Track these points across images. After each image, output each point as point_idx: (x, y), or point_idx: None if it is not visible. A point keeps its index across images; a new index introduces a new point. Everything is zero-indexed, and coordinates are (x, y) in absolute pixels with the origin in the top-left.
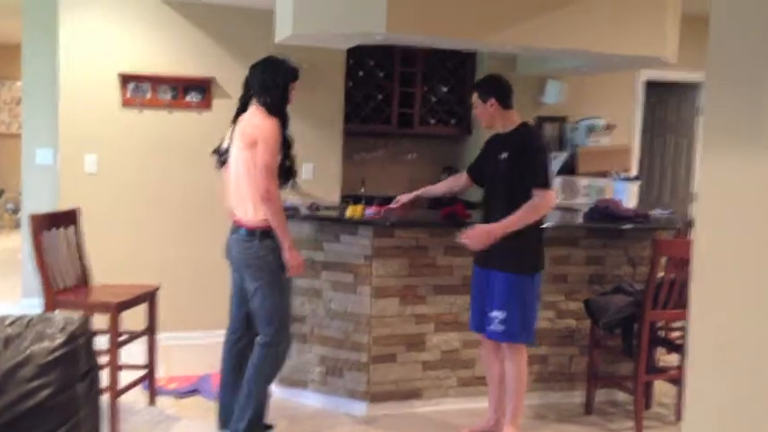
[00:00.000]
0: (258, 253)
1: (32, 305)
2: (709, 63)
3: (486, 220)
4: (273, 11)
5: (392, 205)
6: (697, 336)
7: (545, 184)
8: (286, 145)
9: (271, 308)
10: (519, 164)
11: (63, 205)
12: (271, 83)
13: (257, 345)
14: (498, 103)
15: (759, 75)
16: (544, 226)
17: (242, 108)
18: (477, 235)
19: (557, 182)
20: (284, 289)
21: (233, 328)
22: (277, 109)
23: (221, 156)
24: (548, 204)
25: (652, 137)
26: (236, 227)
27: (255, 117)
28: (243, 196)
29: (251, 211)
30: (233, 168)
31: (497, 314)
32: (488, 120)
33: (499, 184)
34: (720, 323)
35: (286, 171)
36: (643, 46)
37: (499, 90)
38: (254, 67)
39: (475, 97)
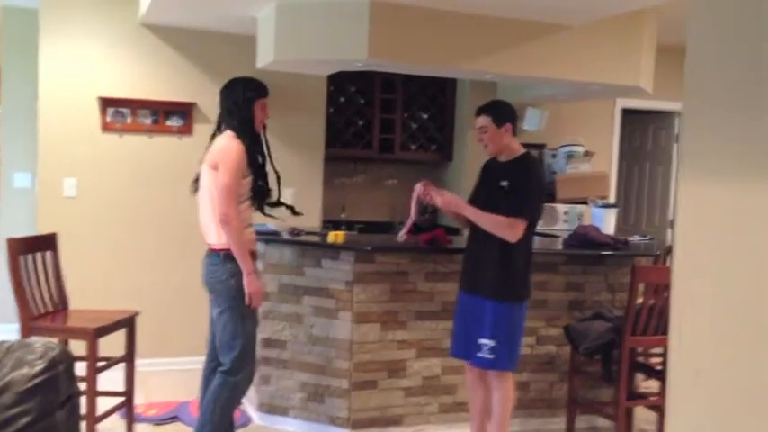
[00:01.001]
0: (221, 276)
1: (7, 330)
2: (686, 92)
3: (474, 245)
4: (255, 36)
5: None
6: (675, 361)
7: (522, 215)
8: (258, 165)
9: (232, 334)
10: (514, 192)
11: (41, 229)
12: (232, 105)
13: (218, 372)
14: (512, 129)
15: (735, 102)
16: (533, 252)
17: (217, 132)
18: (449, 198)
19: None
20: (247, 315)
21: (210, 356)
22: (243, 129)
23: (196, 181)
24: (513, 232)
25: (629, 164)
26: (208, 251)
27: (222, 139)
28: (208, 219)
29: (214, 234)
30: (201, 191)
31: (487, 342)
32: (498, 145)
33: (493, 210)
34: (697, 348)
35: (260, 192)
36: (619, 75)
37: (513, 115)
38: (221, 91)
39: (488, 122)
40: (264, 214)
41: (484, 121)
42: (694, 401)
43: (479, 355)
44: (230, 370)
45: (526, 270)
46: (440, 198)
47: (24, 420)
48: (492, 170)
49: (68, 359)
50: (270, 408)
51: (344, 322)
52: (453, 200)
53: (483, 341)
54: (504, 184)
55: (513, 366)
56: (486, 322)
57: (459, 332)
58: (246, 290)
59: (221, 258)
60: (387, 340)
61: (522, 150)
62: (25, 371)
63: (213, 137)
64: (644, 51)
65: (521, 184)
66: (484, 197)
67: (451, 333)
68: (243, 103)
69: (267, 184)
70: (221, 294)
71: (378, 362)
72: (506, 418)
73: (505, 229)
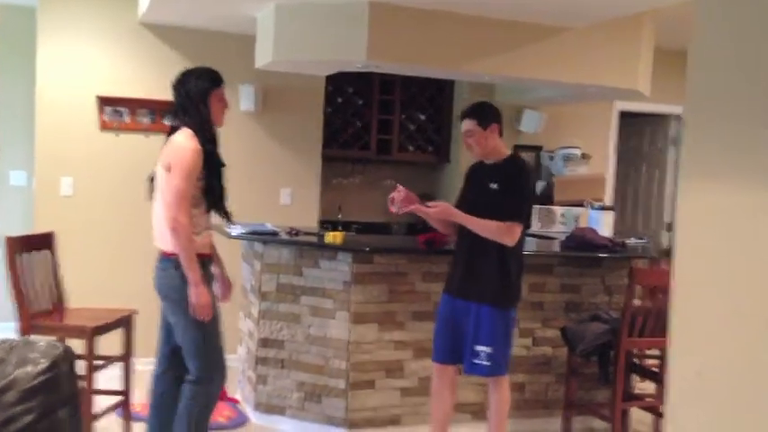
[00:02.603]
0: (174, 282)
1: (4, 329)
2: (688, 98)
3: (465, 251)
4: (254, 36)
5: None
6: (676, 363)
7: (519, 219)
8: (215, 167)
9: (195, 341)
10: (507, 194)
11: (39, 227)
12: (185, 99)
13: (186, 382)
14: (499, 130)
15: (736, 109)
16: (525, 254)
17: (173, 129)
18: (441, 208)
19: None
20: (207, 321)
21: (157, 363)
22: (198, 126)
23: (152, 181)
24: (510, 237)
25: (625, 166)
26: (159, 255)
27: (178, 137)
28: (161, 223)
29: (167, 239)
30: (155, 192)
31: (484, 349)
32: (485, 148)
33: (484, 213)
34: (698, 350)
35: (217, 197)
36: (617, 78)
37: (498, 116)
38: (173, 85)
39: (473, 125)
40: (219, 214)
41: (469, 124)
42: (695, 403)
43: (476, 362)
44: (199, 378)
45: (519, 275)
46: (432, 211)
47: (28, 418)
48: (478, 173)
49: (71, 357)
50: (267, 407)
51: (342, 322)
52: (445, 209)
53: (480, 348)
54: (493, 186)
55: (506, 370)
56: (483, 329)
57: (447, 337)
58: (191, 301)
59: (173, 263)
60: (384, 340)
61: (509, 152)
62: (29, 369)
63: (169, 134)
64: (642, 54)
65: (514, 186)
66: (472, 200)
67: (434, 338)
68: (196, 97)
69: (223, 186)
70: (177, 303)
71: (375, 362)
72: (504, 420)
73: (504, 234)
